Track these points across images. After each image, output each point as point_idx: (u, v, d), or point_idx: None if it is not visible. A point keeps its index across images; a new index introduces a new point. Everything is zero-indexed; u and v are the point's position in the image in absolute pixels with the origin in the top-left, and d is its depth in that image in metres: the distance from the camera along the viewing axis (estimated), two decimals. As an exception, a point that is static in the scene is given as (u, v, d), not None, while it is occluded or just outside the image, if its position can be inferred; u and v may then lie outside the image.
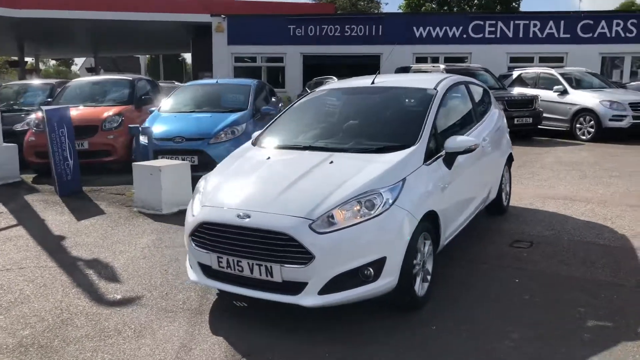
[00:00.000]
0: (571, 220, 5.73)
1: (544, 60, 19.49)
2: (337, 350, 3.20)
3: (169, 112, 8.68)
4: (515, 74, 17.27)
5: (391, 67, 18.64)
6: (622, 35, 19.01)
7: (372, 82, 5.00)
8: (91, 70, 45.92)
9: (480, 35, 19.54)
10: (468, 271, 4.38)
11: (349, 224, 3.30)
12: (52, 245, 5.37)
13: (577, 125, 12.94)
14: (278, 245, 3.27)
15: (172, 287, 4.24)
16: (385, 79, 5.33)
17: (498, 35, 19.50)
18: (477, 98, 5.55)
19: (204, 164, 7.03)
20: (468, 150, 4.13)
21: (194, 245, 3.64)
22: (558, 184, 7.62)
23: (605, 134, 12.25)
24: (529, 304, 3.78)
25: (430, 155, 3.99)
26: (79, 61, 73.06)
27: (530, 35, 19.40)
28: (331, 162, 3.87)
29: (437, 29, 19.69)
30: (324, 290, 3.26)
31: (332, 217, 3.33)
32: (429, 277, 3.80)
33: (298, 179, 3.67)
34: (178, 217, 6.16)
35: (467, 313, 3.64)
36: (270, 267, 3.29)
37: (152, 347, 3.30)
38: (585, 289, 3.97)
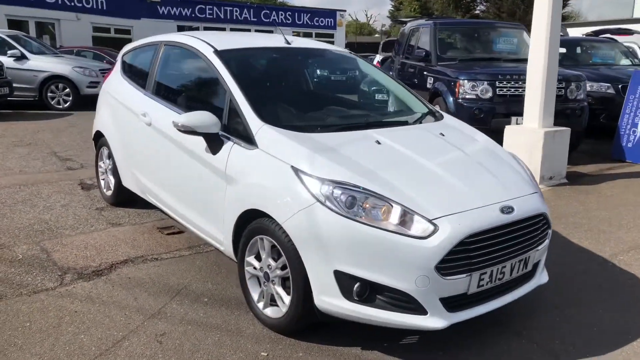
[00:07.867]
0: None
1: None
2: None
3: None
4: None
5: None
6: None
7: (288, 43, 4.18)
8: None
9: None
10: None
11: None
12: None
13: (50, 94, 12.12)
14: (533, 231, 2.89)
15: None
16: (296, 40, 4.47)
17: None
18: None
19: None
20: None
21: (442, 277, 2.52)
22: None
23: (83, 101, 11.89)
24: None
25: None
26: None
27: None
28: (441, 134, 3.46)
29: None
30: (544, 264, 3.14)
31: None
32: None
33: (465, 155, 3.22)
34: None
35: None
36: (527, 257, 2.86)
37: None
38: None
